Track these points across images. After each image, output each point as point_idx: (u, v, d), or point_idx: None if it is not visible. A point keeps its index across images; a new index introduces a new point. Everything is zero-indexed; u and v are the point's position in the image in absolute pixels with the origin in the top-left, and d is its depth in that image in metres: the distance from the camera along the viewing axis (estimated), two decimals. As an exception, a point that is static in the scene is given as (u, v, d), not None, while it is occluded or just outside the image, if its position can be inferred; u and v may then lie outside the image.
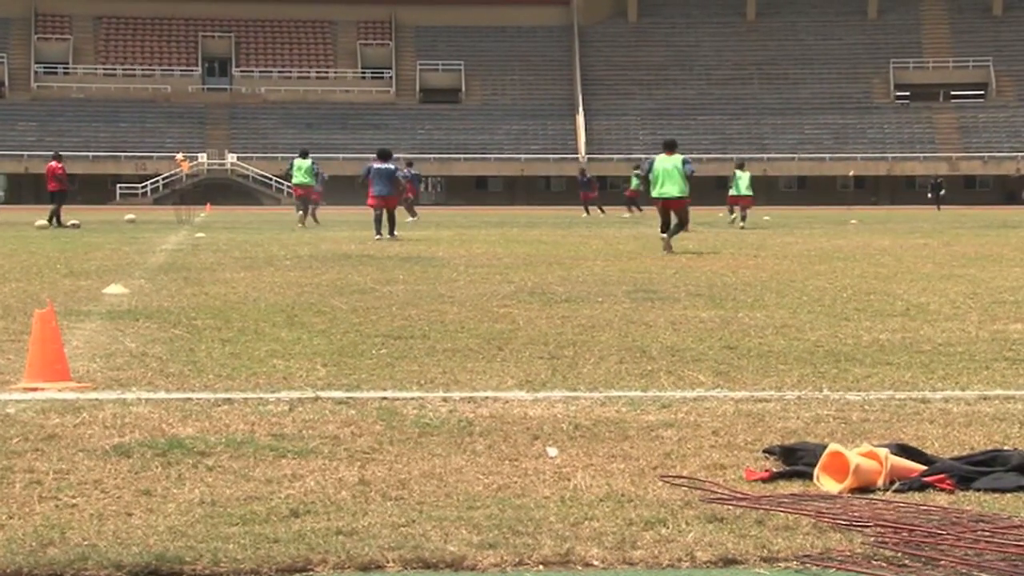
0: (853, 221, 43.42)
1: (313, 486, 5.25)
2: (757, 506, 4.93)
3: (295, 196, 41.64)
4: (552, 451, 5.95)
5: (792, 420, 6.72)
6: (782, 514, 4.83)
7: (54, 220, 37.11)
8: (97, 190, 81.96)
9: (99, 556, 4.27)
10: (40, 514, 4.82)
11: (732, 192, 41.04)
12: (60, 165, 39.49)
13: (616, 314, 11.95)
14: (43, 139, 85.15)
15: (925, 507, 4.96)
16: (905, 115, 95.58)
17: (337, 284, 15.60)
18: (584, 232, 34.26)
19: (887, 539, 4.50)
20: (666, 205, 23.75)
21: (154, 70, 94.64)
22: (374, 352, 9.27)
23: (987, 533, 4.55)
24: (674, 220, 23.66)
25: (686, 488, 5.25)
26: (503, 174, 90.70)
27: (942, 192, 72.23)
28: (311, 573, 4.23)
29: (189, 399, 7.29)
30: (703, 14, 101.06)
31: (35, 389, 7.52)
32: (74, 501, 5.01)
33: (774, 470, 5.52)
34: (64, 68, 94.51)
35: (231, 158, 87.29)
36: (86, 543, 4.43)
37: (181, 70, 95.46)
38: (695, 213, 25.02)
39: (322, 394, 7.42)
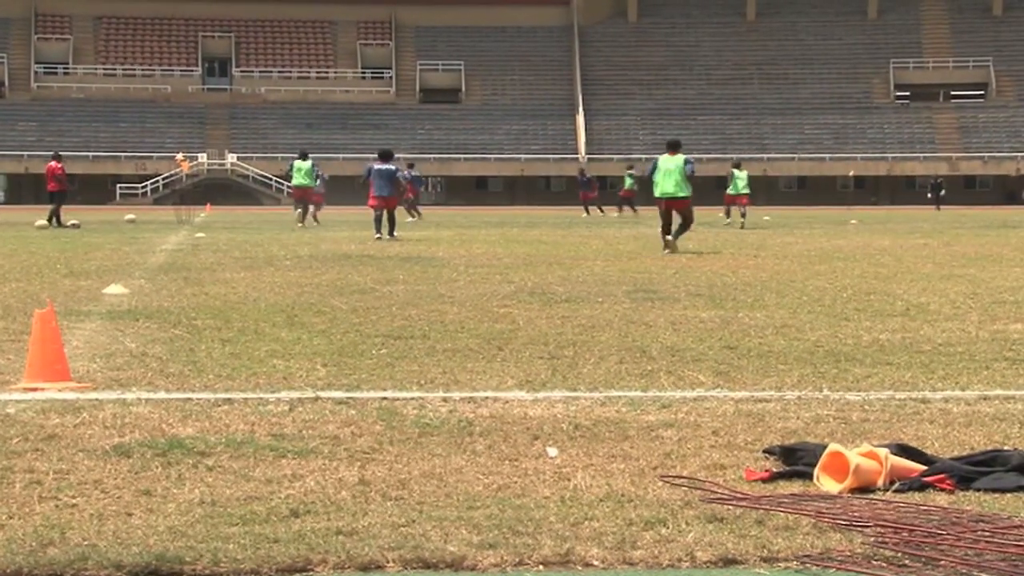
0: (853, 221, 43.43)
1: (313, 486, 5.25)
2: (757, 506, 4.93)
3: (293, 197, 41.65)
4: (552, 451, 5.94)
5: (792, 420, 6.71)
6: (782, 514, 4.82)
7: (54, 220, 37.12)
8: (97, 190, 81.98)
9: (99, 556, 4.27)
10: (40, 514, 4.81)
11: (730, 191, 41.79)
12: (60, 165, 39.51)
13: (616, 314, 11.95)
14: (43, 139, 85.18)
15: (925, 507, 4.96)
16: (905, 115, 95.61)
17: (337, 284, 15.60)
18: (584, 232, 34.27)
19: (887, 539, 4.50)
20: (668, 205, 23.75)
21: (154, 70, 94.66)
22: (374, 352, 9.27)
23: (987, 533, 4.55)
24: (678, 220, 23.66)
25: (686, 488, 5.25)
26: (503, 174, 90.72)
27: (942, 192, 72.28)
28: (311, 573, 4.23)
29: (189, 399, 7.29)
30: (703, 14, 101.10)
31: (35, 389, 7.52)
32: (74, 501, 5.01)
33: (774, 470, 5.52)
34: (64, 68, 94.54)
35: (231, 158, 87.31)
36: (86, 543, 4.43)
37: (181, 70, 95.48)
38: (696, 213, 25.00)
39: (322, 394, 7.42)
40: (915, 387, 7.80)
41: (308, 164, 39.21)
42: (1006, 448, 5.85)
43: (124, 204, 75.62)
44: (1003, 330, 10.77)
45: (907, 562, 4.29)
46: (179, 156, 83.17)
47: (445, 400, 7.28)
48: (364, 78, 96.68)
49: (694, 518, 4.78)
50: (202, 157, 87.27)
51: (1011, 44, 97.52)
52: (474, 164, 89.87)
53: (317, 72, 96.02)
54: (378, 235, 28.77)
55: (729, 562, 4.33)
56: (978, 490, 5.23)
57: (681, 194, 23.59)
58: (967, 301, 13.36)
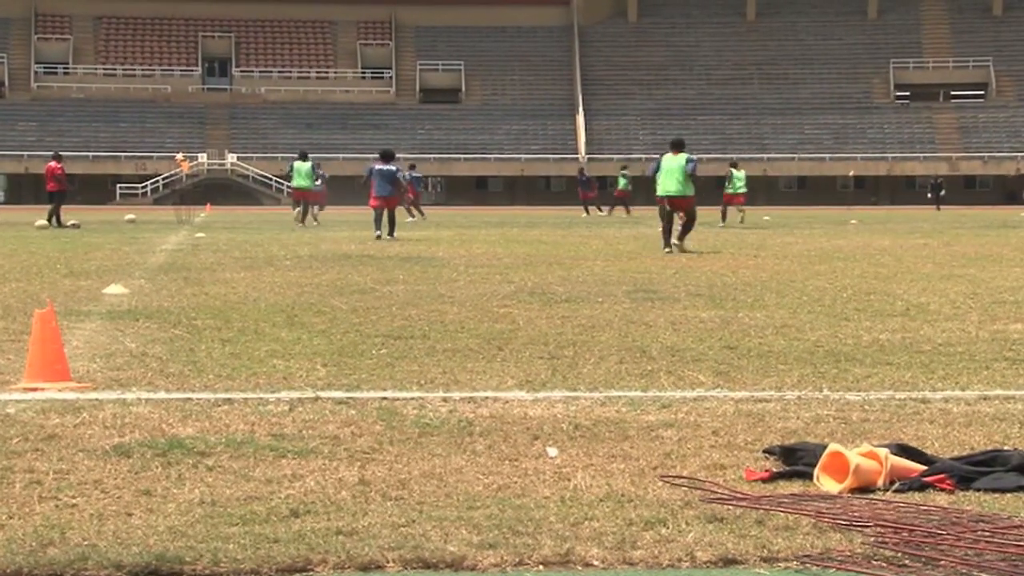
0: (853, 221, 43.44)
1: (313, 486, 5.25)
2: (757, 506, 4.93)
3: (292, 198, 41.66)
4: (552, 451, 5.94)
5: (792, 420, 6.71)
6: (782, 514, 4.82)
7: (53, 220, 37.11)
8: (97, 190, 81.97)
9: (99, 556, 4.27)
10: (40, 514, 4.81)
11: (729, 191, 42.16)
12: (59, 165, 39.50)
13: (616, 314, 11.95)
14: (43, 139, 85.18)
15: (925, 507, 4.96)
16: (905, 115, 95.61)
17: (337, 284, 15.59)
18: (584, 232, 34.27)
19: (887, 539, 4.50)
20: (671, 204, 23.74)
21: (154, 70, 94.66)
22: (374, 352, 9.27)
23: (987, 533, 4.55)
24: (680, 220, 23.65)
25: (686, 488, 5.25)
26: (503, 174, 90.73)
27: (942, 192, 72.28)
28: (311, 573, 4.23)
29: (189, 399, 7.29)
30: (703, 14, 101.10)
31: (35, 389, 7.52)
32: (74, 501, 5.01)
33: (774, 470, 5.52)
34: (64, 68, 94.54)
35: (231, 158, 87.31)
36: (86, 543, 4.43)
37: (181, 70, 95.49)
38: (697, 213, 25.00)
39: (322, 394, 7.42)
40: (915, 387, 7.80)
41: (308, 165, 39.22)
42: (1006, 448, 5.85)
43: (124, 204, 75.62)
44: (1003, 330, 10.77)
45: (907, 562, 4.29)
46: (179, 156, 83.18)
47: (445, 400, 7.28)
48: (364, 78, 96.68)
49: (694, 518, 4.77)
50: (202, 157, 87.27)
51: (1011, 44, 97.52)
52: (474, 164, 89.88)
53: (317, 72, 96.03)
54: (378, 233, 28.82)
55: (729, 562, 4.33)
56: (978, 490, 5.23)
57: (685, 193, 23.58)
58: (967, 301, 13.36)
